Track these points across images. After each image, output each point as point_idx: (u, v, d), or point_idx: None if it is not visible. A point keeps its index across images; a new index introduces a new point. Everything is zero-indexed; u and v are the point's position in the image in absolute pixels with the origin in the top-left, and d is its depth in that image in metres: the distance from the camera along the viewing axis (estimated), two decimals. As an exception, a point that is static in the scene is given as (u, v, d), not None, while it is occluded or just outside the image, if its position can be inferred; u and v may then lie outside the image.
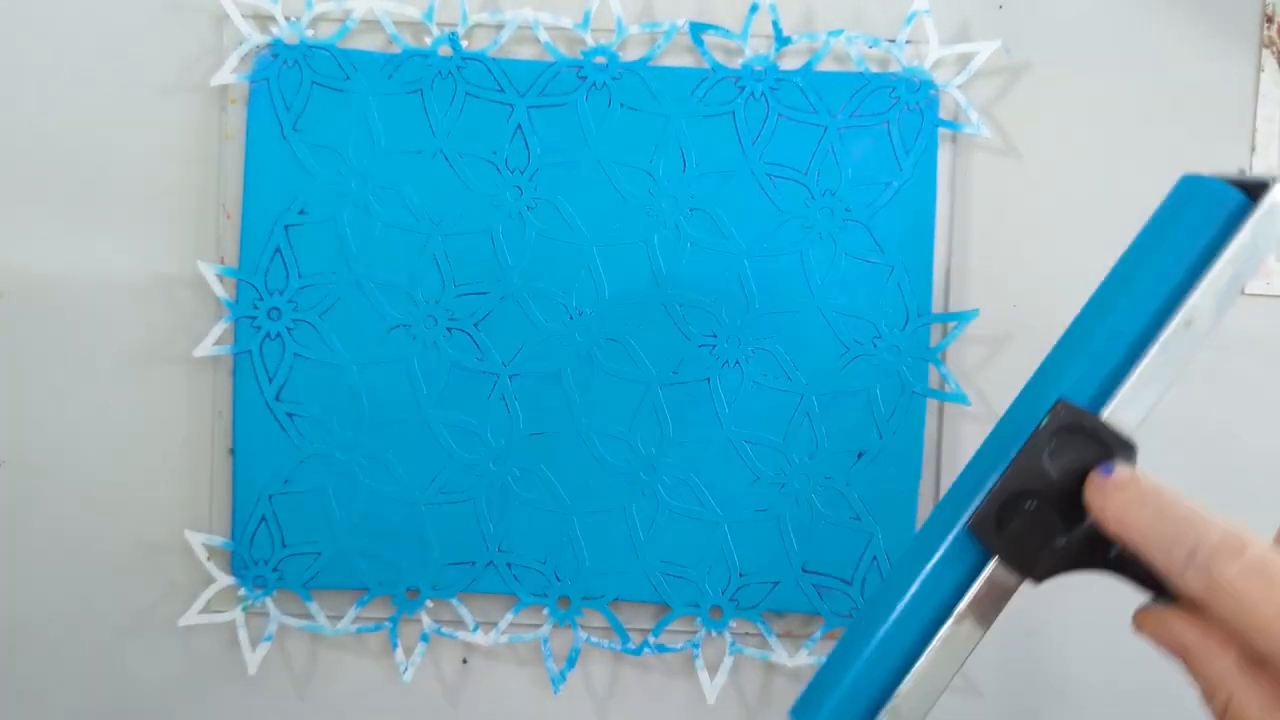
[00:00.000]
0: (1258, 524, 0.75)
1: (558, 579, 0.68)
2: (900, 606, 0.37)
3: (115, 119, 0.69)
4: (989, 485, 0.36)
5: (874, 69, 0.68)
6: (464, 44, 0.67)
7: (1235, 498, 0.69)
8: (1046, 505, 0.35)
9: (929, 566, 0.37)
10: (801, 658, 0.68)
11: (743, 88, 0.67)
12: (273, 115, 0.67)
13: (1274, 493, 0.69)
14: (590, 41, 0.67)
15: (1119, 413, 0.35)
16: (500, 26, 0.68)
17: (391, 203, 0.67)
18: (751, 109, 0.67)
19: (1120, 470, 0.34)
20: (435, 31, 0.67)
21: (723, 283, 0.67)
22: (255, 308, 0.67)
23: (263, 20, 0.68)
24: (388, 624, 0.69)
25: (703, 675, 0.68)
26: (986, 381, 0.69)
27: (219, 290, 0.67)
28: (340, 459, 0.68)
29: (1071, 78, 0.69)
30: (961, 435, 0.69)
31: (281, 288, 0.67)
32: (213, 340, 0.67)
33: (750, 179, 0.67)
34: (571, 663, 0.69)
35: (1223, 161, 0.69)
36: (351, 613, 0.69)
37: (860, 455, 0.67)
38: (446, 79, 0.67)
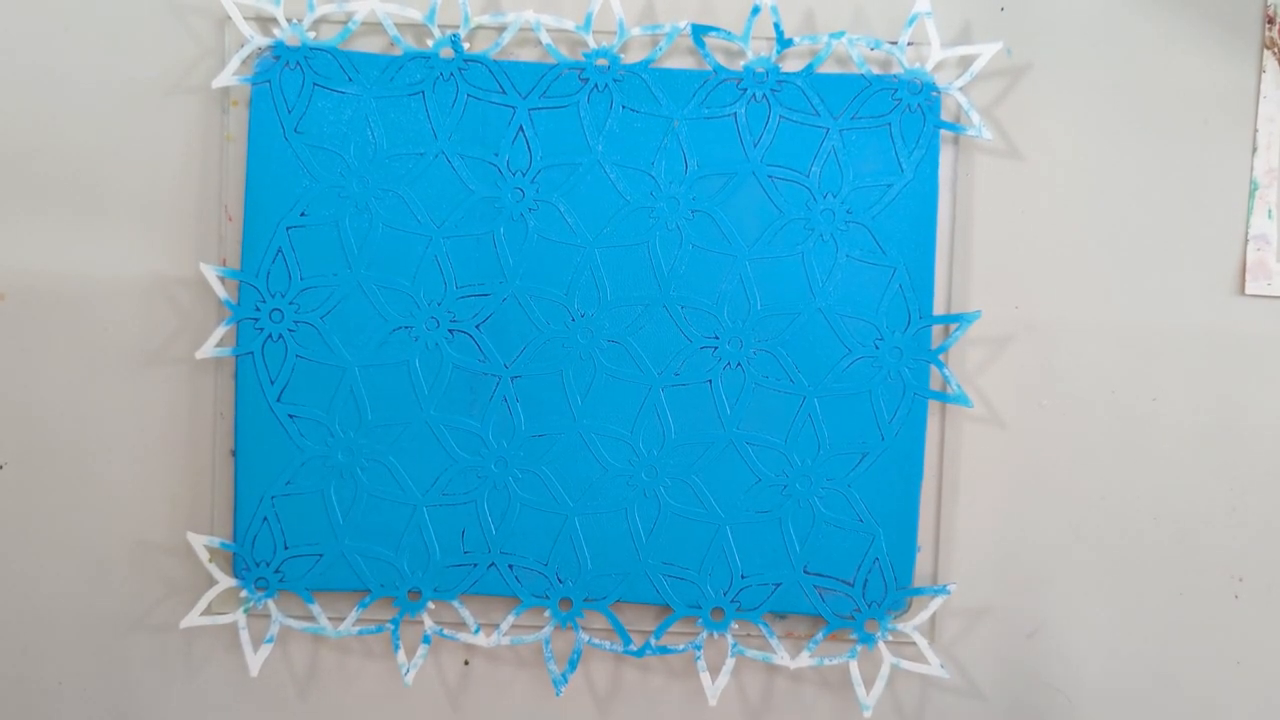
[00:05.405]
0: (1260, 522, 0.75)
1: (559, 580, 0.68)
2: None
3: (117, 121, 0.69)
4: None
5: (875, 71, 0.68)
6: (466, 46, 0.67)
7: (1238, 496, 0.69)
8: None
9: None
10: (803, 659, 0.68)
11: (744, 90, 0.67)
12: (274, 117, 0.67)
13: (1276, 491, 0.69)
14: (592, 44, 0.67)
15: None
16: (502, 29, 0.68)
17: (393, 205, 0.67)
18: (753, 111, 0.67)
19: None
20: (437, 34, 0.67)
21: (724, 284, 0.67)
22: (257, 309, 0.67)
23: (265, 22, 0.68)
24: (389, 626, 0.69)
25: (704, 677, 0.68)
26: (988, 383, 0.69)
27: (221, 292, 0.67)
28: (342, 461, 0.68)
29: (1073, 79, 0.69)
30: (963, 436, 0.69)
31: (283, 289, 0.67)
32: (214, 342, 0.67)
33: (752, 181, 0.67)
34: (573, 664, 0.69)
35: (1224, 162, 0.69)
36: (353, 614, 0.69)
37: (862, 457, 0.67)
38: (448, 81, 0.67)
